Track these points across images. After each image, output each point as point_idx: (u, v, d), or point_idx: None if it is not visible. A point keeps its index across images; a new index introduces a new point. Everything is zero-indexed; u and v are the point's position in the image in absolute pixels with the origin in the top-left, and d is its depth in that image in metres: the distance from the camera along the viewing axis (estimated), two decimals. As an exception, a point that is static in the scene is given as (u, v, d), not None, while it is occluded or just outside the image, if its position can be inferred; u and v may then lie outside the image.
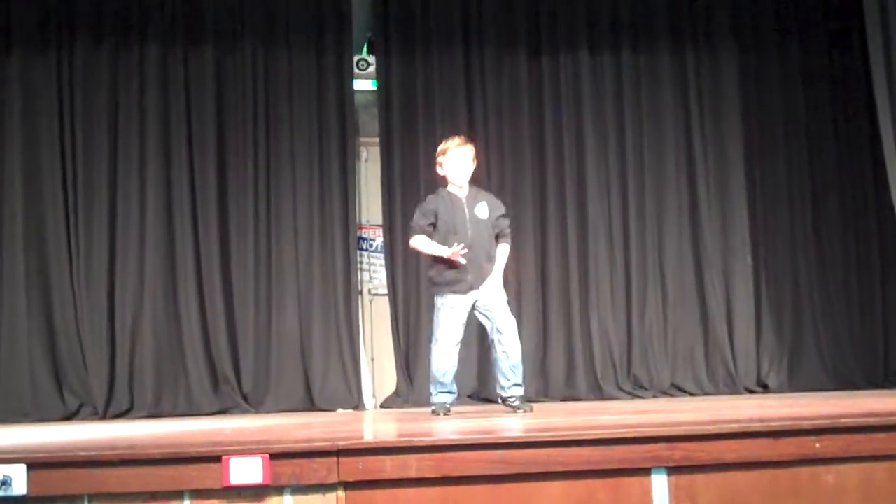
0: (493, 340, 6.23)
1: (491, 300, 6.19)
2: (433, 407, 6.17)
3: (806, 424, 3.82)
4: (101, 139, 8.30)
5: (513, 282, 8.47)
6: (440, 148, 6.40)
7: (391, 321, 8.62)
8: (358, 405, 8.25)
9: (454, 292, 6.15)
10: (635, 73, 9.02)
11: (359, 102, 8.92)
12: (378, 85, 8.84)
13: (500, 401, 6.29)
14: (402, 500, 3.61)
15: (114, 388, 8.05)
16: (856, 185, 9.06)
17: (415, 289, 8.61)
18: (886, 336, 8.88)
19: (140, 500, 3.51)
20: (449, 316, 6.15)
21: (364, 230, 9.04)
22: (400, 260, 8.61)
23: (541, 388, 8.35)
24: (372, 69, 8.87)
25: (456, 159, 6.30)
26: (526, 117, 8.85)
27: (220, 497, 3.52)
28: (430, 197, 6.45)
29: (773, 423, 3.84)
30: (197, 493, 3.52)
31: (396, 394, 8.46)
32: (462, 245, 6.02)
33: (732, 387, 8.58)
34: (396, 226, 8.62)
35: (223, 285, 8.36)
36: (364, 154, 9.17)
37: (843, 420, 3.89)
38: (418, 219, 6.30)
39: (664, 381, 8.59)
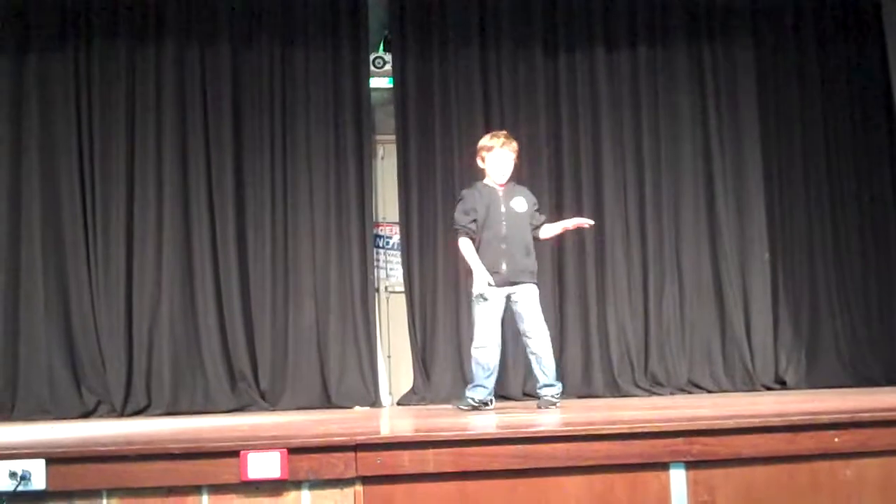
0: (524, 343, 6.28)
1: (523, 299, 6.20)
2: (468, 401, 6.13)
3: (824, 419, 3.81)
4: (118, 138, 8.33)
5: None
6: (485, 143, 6.45)
7: (408, 318, 8.61)
8: (375, 402, 8.25)
9: (490, 285, 6.14)
10: (652, 69, 9.00)
11: (375, 100, 8.92)
12: (394, 83, 8.84)
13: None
14: (420, 494, 3.61)
15: (131, 386, 8.07)
16: (874, 181, 9.03)
17: (431, 286, 8.61)
18: (904, 333, 8.85)
19: (158, 495, 3.52)
20: (488, 311, 6.14)
21: (380, 228, 9.05)
22: (416, 257, 8.62)
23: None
24: (388, 67, 8.87)
25: (500, 157, 6.37)
26: (542, 114, 8.83)
27: (237, 492, 3.53)
28: (465, 192, 6.47)
29: (791, 418, 3.82)
30: (215, 488, 3.53)
31: (413, 391, 8.46)
32: (494, 283, 6.08)
33: (750, 383, 8.55)
34: (413, 223, 8.64)
35: (240, 283, 8.37)
36: (380, 152, 9.18)
37: (862, 415, 3.87)
38: (460, 218, 6.31)
39: (681, 377, 8.56)
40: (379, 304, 8.89)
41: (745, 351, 8.66)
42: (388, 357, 8.91)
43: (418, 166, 8.71)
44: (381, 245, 9.07)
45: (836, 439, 3.75)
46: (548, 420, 4.74)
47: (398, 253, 8.91)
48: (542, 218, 6.50)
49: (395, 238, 8.98)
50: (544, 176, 8.66)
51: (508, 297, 6.20)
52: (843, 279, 8.94)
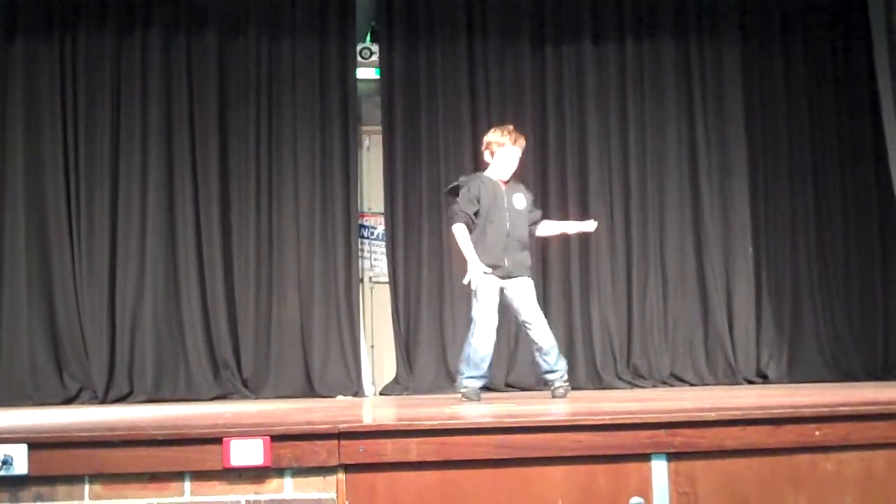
0: (525, 334, 6.36)
1: (519, 291, 6.22)
2: (464, 391, 6.09)
3: (806, 412, 3.82)
4: (103, 125, 8.32)
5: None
6: (497, 138, 6.35)
7: (391, 309, 8.63)
8: (358, 392, 8.27)
9: (485, 273, 6.13)
10: (639, 64, 9.01)
11: (361, 91, 8.93)
12: (381, 73, 8.84)
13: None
14: (402, 483, 3.61)
15: (114, 373, 8.08)
16: (857, 177, 9.07)
17: (415, 277, 8.63)
18: (886, 328, 8.89)
19: (141, 481, 3.51)
20: (485, 297, 6.14)
21: (365, 218, 9.05)
22: (401, 248, 8.63)
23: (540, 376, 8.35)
24: (375, 58, 8.87)
25: (511, 155, 6.33)
26: (529, 107, 8.84)
27: (220, 478, 3.52)
28: (471, 179, 6.36)
29: (773, 411, 3.84)
30: (197, 475, 3.53)
31: (396, 381, 8.46)
32: (482, 273, 6.09)
33: (732, 377, 8.59)
34: (398, 214, 8.65)
35: (224, 271, 8.37)
36: (366, 142, 9.18)
37: (843, 408, 3.89)
38: (465, 205, 6.21)
39: (664, 370, 8.59)
40: (363, 294, 8.90)
41: (727, 345, 8.69)
42: (372, 347, 8.92)
43: (404, 157, 8.72)
44: (365, 235, 9.07)
45: (817, 433, 3.77)
46: (531, 410, 4.75)
47: (383, 243, 8.91)
48: (539, 214, 6.52)
49: (380, 229, 8.98)
50: (529, 168, 8.63)
51: (502, 290, 6.20)
52: (825, 274, 8.98)
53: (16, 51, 8.32)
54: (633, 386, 8.39)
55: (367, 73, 8.91)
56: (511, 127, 6.47)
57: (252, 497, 3.54)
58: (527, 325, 6.24)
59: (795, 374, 8.65)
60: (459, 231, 6.18)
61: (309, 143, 8.60)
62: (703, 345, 8.74)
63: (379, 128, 8.84)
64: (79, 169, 8.27)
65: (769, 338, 8.82)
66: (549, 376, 6.25)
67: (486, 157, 6.41)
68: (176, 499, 3.52)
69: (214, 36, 8.56)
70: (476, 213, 6.20)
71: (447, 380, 8.33)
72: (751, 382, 8.59)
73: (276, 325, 8.40)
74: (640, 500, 3.67)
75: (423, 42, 8.85)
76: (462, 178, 6.45)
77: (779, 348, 8.81)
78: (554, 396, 6.17)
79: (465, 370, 6.15)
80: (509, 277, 6.18)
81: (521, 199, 6.34)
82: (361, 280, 8.87)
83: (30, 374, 7.96)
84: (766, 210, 9.00)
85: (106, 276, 8.17)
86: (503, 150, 6.32)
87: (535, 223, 6.47)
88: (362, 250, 8.99)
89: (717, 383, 8.53)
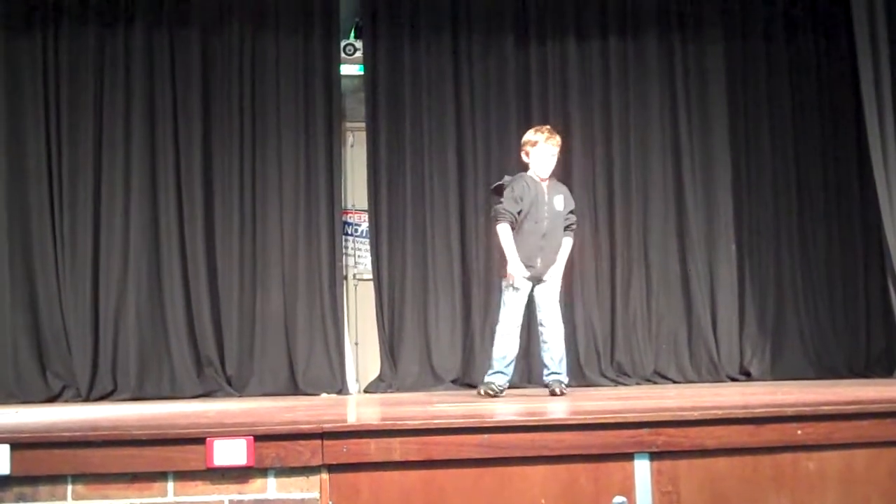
0: (539, 332, 6.51)
1: (545, 292, 6.41)
2: (484, 387, 6.32)
3: (788, 411, 3.85)
4: (85, 123, 8.28)
5: (498, 268, 8.51)
6: (529, 137, 6.58)
7: (376, 306, 8.60)
8: (342, 389, 8.26)
9: (524, 277, 6.33)
10: (622, 61, 9.01)
11: (345, 87, 8.90)
12: (365, 70, 8.82)
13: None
14: (385, 483, 3.62)
15: (97, 371, 8.05)
16: (840, 174, 9.08)
17: (399, 274, 8.62)
18: (868, 325, 8.90)
19: (123, 481, 3.51)
20: (515, 298, 6.35)
21: (349, 215, 9.04)
22: (385, 245, 8.61)
23: (524, 373, 8.35)
24: (359, 54, 8.84)
25: (545, 152, 6.49)
26: (513, 103, 8.83)
27: (203, 478, 3.53)
28: (515, 180, 6.53)
29: (755, 410, 3.86)
30: (180, 475, 3.53)
31: (380, 378, 8.45)
32: (527, 275, 6.30)
33: (715, 374, 8.61)
34: (382, 211, 8.64)
35: (208, 269, 8.35)
36: (350, 139, 9.17)
37: (825, 407, 3.91)
38: (509, 205, 6.40)
39: (647, 368, 8.61)
40: (347, 291, 8.88)
41: (710, 342, 8.71)
42: (356, 344, 8.91)
43: (388, 154, 8.70)
44: (349, 232, 9.06)
45: (799, 432, 3.79)
46: (514, 409, 4.76)
47: (367, 240, 8.90)
48: (572, 219, 6.66)
49: (364, 225, 8.97)
50: (514, 167, 8.63)
51: (532, 288, 6.39)
52: (808, 272, 9.00)
53: (-3, 47, 8.29)
54: (617, 383, 8.39)
55: (351, 69, 8.89)
56: (547, 127, 6.68)
57: (235, 497, 3.54)
58: (543, 323, 6.42)
59: (778, 371, 8.67)
60: (503, 231, 6.39)
61: (293, 139, 8.58)
62: (687, 342, 8.75)
63: (363, 124, 8.83)
64: (61, 166, 8.23)
65: (752, 335, 8.83)
66: (550, 378, 6.39)
67: (524, 157, 6.59)
68: (159, 499, 3.53)
69: (198, 32, 8.52)
70: (521, 212, 6.35)
71: (431, 377, 8.37)
72: (734, 380, 8.61)
73: (259, 323, 8.38)
74: (623, 499, 3.69)
75: (407, 39, 8.84)
76: (506, 178, 6.62)
77: (762, 346, 8.82)
78: (553, 394, 6.32)
79: (490, 367, 6.42)
80: (539, 278, 6.38)
81: (560, 201, 6.51)
82: (345, 277, 8.86)
83: (12, 371, 7.92)
84: (750, 207, 9.01)
85: (89, 273, 8.14)
86: (536, 149, 6.50)
87: (567, 228, 6.58)
88: (346, 247, 8.98)
89: (701, 380, 8.54)
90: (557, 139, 6.56)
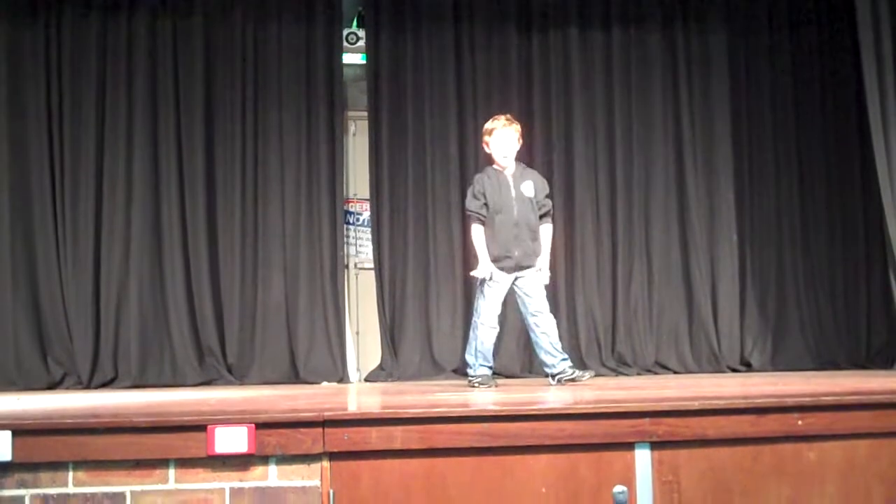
0: (529, 324, 6.46)
1: (531, 282, 6.38)
2: (477, 379, 6.33)
3: (789, 402, 3.85)
4: (88, 112, 8.26)
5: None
6: (486, 127, 6.59)
7: (377, 295, 8.60)
8: (342, 378, 8.26)
9: (500, 269, 6.34)
10: (625, 52, 8.99)
11: (348, 76, 8.89)
12: (367, 58, 8.80)
13: (551, 380, 6.41)
14: (386, 471, 3.63)
15: (98, 358, 8.04)
16: (842, 166, 9.06)
17: (401, 263, 8.62)
18: (869, 316, 8.89)
19: (125, 468, 3.52)
20: (493, 292, 6.33)
21: (351, 204, 9.03)
22: (386, 234, 8.61)
23: (525, 363, 8.36)
24: (361, 43, 8.83)
25: (502, 139, 6.49)
26: (515, 94, 8.81)
27: (205, 466, 3.54)
28: (477, 177, 6.60)
29: (756, 400, 3.87)
30: (182, 462, 3.54)
31: (381, 367, 8.46)
32: (491, 277, 6.28)
33: (716, 365, 8.61)
34: (383, 200, 8.63)
35: (209, 257, 8.34)
36: (352, 128, 9.15)
37: (826, 398, 3.92)
38: (471, 203, 6.45)
39: (648, 358, 8.61)
40: (348, 280, 8.87)
41: (711, 333, 8.71)
42: (357, 333, 8.91)
43: (390, 143, 8.69)
44: (351, 221, 9.05)
45: (800, 422, 3.79)
46: (515, 399, 4.76)
47: (368, 229, 8.88)
48: (548, 204, 6.62)
49: (366, 214, 8.96)
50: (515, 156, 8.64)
51: (513, 282, 6.38)
52: (809, 263, 8.99)
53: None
54: (618, 373, 8.39)
55: (353, 58, 8.87)
56: (505, 115, 6.65)
57: (236, 484, 3.55)
58: (533, 313, 6.38)
59: (779, 362, 8.67)
60: (474, 231, 6.44)
61: (295, 128, 8.57)
62: (688, 333, 8.76)
63: (365, 113, 8.81)
64: (63, 155, 8.21)
65: (753, 326, 8.84)
66: (562, 365, 6.37)
67: (485, 148, 6.61)
68: (160, 486, 3.54)
69: (200, 20, 8.50)
70: (486, 206, 6.38)
71: (432, 366, 8.37)
72: (735, 370, 8.62)
73: (260, 311, 8.37)
74: (624, 488, 3.69)
75: (409, 28, 8.82)
76: (475, 176, 6.65)
77: (763, 336, 8.83)
78: (561, 383, 6.32)
79: (474, 360, 6.40)
80: (519, 269, 6.36)
81: (529, 187, 6.48)
82: (347, 266, 8.85)
83: (14, 358, 7.92)
84: (751, 199, 9.01)
85: (90, 260, 8.13)
86: (493, 137, 6.50)
87: (543, 214, 6.55)
88: (348, 236, 8.96)
89: (702, 371, 8.54)
90: (516, 125, 6.55)
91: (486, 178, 6.46)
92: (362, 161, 8.86)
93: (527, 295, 6.37)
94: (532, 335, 6.49)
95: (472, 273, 6.43)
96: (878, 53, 7.83)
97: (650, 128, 8.93)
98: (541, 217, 6.52)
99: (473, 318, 6.48)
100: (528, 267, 6.36)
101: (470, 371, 6.43)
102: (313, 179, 8.53)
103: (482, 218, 6.39)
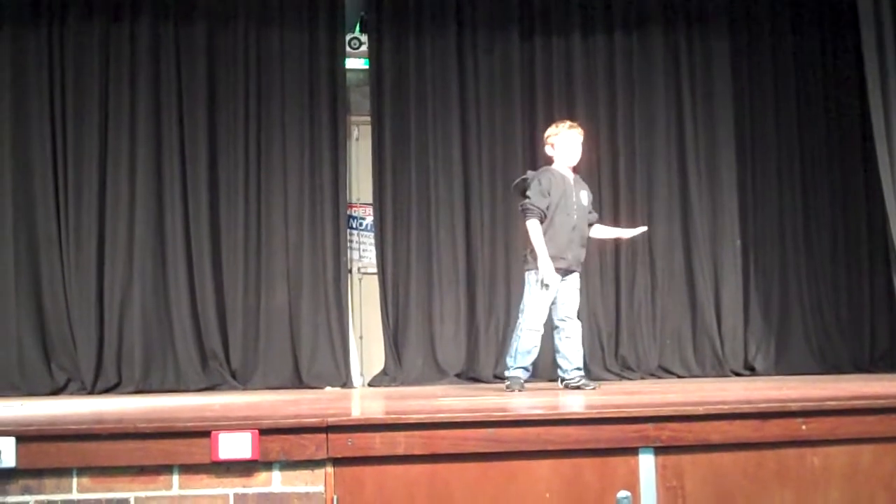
0: (556, 327, 6.39)
1: (569, 287, 6.37)
2: (508, 382, 6.27)
3: (793, 406, 3.84)
4: (91, 117, 8.28)
5: (502, 263, 8.52)
6: (552, 130, 6.51)
7: (380, 300, 8.62)
8: (346, 383, 8.26)
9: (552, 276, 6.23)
10: (627, 55, 9.01)
11: (350, 81, 8.91)
12: (370, 63, 8.83)
13: (561, 384, 6.40)
14: (390, 476, 3.62)
15: (102, 364, 8.06)
16: (845, 170, 9.08)
17: (404, 268, 8.63)
18: (873, 321, 8.91)
19: (129, 474, 3.52)
20: (545, 295, 6.23)
21: (354, 209, 9.03)
22: (390, 239, 8.62)
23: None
24: (364, 48, 8.86)
25: (570, 141, 6.43)
26: (517, 97, 8.84)
27: (208, 472, 3.53)
28: (541, 174, 6.41)
29: (760, 405, 3.86)
30: (186, 468, 3.54)
31: (384, 372, 8.46)
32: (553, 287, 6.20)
33: (720, 369, 8.61)
34: (386, 204, 8.64)
35: (212, 262, 8.35)
36: (355, 133, 9.16)
37: (830, 403, 3.91)
38: (537, 199, 6.27)
39: (652, 362, 8.61)
40: (351, 285, 8.88)
41: (714, 337, 8.71)
42: (360, 338, 8.92)
43: (393, 147, 8.71)
44: (354, 226, 9.05)
45: (804, 427, 3.79)
46: (518, 404, 4.76)
47: (371, 234, 8.90)
48: (596, 217, 6.66)
49: (369, 219, 8.97)
50: (518, 161, 8.65)
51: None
52: (813, 267, 8.99)
53: (3, 40, 8.27)
54: (622, 378, 8.39)
55: (356, 63, 8.91)
56: (567, 121, 6.61)
57: (240, 490, 3.55)
58: (563, 319, 6.34)
59: (783, 366, 8.67)
60: (533, 227, 6.26)
61: (298, 133, 8.58)
62: (692, 337, 8.76)
63: (368, 118, 8.83)
64: (67, 159, 8.23)
65: (757, 330, 8.84)
66: (574, 373, 6.33)
67: (549, 151, 6.52)
68: (164, 492, 3.53)
69: (203, 26, 8.52)
70: (548, 207, 6.27)
71: (436, 371, 8.38)
72: (738, 375, 8.62)
73: (264, 316, 8.38)
74: (628, 493, 3.69)
75: (412, 32, 8.84)
76: (530, 173, 6.52)
77: (766, 341, 8.83)
78: (580, 388, 6.26)
79: (512, 362, 6.31)
80: (568, 273, 6.32)
81: (585, 196, 6.47)
82: (350, 271, 8.86)
83: (17, 364, 7.93)
84: (755, 203, 9.01)
85: (94, 265, 8.14)
86: (560, 139, 6.44)
87: (591, 224, 6.56)
88: (351, 241, 8.97)
89: (705, 375, 8.54)
90: (580, 129, 6.50)
91: (552, 178, 6.33)
92: (365, 166, 8.87)
93: (563, 300, 6.31)
94: (556, 338, 6.39)
95: (537, 276, 6.19)
96: (880, 54, 7.82)
97: (653, 131, 8.94)
98: (588, 225, 6.52)
99: (518, 320, 6.36)
100: (574, 272, 6.35)
101: (507, 372, 6.37)
102: (316, 184, 8.55)
103: (544, 216, 6.25)
